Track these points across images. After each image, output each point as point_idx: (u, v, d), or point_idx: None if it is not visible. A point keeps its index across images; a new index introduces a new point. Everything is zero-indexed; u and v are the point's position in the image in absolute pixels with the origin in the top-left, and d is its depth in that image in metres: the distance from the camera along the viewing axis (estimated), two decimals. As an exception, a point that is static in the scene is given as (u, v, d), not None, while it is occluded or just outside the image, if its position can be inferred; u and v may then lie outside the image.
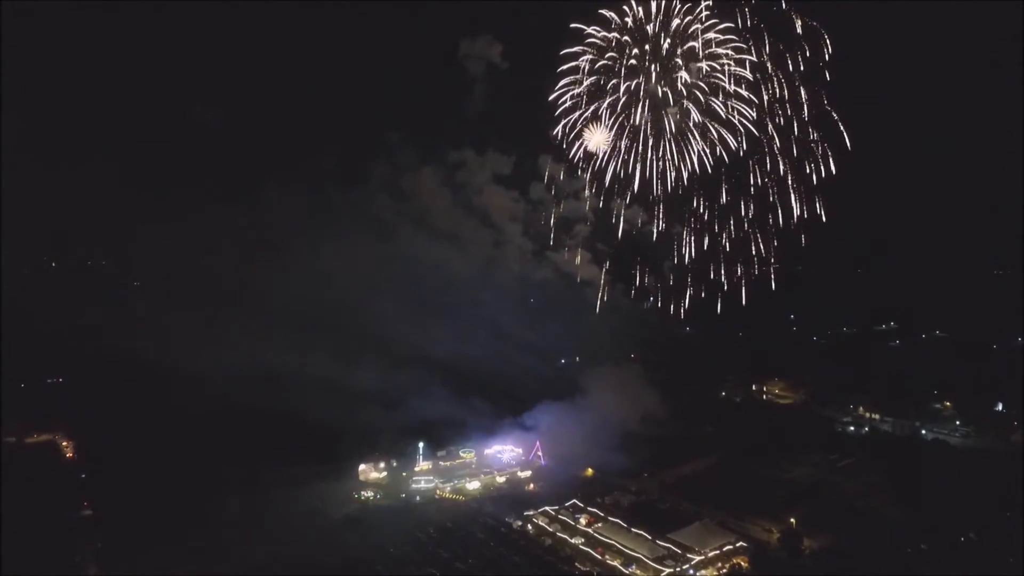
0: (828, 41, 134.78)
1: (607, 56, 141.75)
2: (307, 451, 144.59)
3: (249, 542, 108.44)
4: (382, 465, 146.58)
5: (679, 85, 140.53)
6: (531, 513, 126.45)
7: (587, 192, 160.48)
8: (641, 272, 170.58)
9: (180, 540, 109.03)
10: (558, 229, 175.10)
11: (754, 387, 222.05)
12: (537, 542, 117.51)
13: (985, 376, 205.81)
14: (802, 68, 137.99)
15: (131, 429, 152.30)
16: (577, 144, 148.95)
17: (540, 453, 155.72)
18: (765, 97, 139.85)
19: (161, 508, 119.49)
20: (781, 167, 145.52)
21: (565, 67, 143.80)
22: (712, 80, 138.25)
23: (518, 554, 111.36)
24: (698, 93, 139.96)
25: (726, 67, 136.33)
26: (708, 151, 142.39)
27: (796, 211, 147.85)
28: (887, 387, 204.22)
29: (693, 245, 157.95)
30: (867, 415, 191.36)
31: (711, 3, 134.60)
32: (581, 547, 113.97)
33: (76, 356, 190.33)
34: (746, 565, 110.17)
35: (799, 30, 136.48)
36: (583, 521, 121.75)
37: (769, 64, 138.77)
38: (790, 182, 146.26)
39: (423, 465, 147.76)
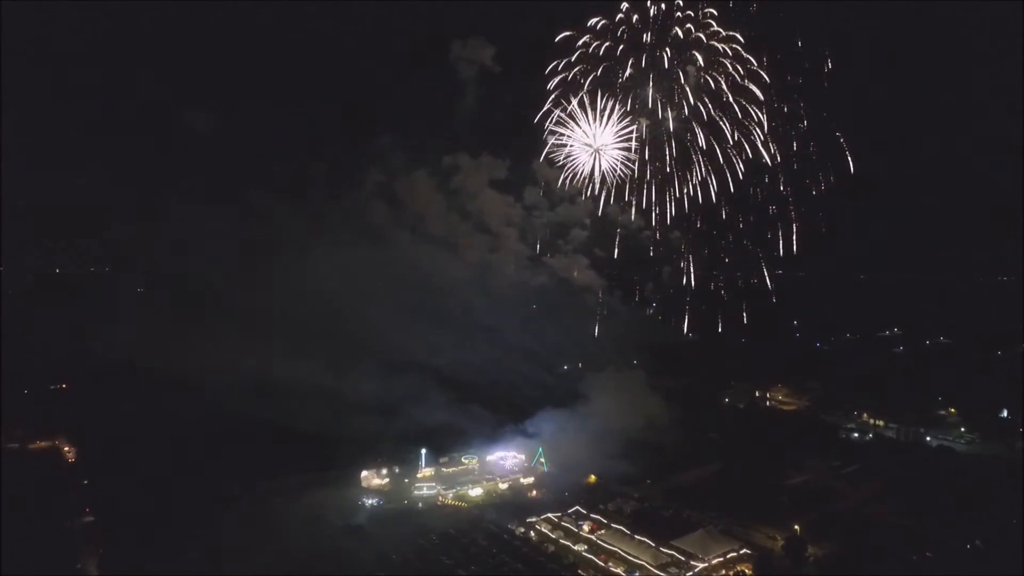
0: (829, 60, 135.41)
1: (601, 67, 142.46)
2: (308, 459, 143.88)
3: (250, 549, 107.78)
4: (384, 472, 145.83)
5: (676, 97, 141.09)
6: (534, 520, 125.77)
7: (583, 197, 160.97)
8: (642, 279, 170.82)
9: (181, 547, 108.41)
10: (555, 234, 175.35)
11: (757, 393, 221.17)
12: (540, 549, 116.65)
13: (990, 382, 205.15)
14: (801, 81, 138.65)
15: (133, 436, 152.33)
16: (568, 167, 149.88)
17: (543, 459, 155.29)
18: (765, 116, 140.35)
19: (163, 515, 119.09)
20: (782, 183, 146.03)
21: (556, 80, 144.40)
22: (712, 93, 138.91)
23: (521, 561, 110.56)
24: (700, 106, 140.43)
25: (723, 79, 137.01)
26: (713, 176, 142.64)
27: (796, 225, 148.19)
28: (891, 393, 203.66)
29: (693, 264, 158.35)
30: (871, 421, 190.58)
31: (711, 11, 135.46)
32: (584, 554, 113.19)
33: (78, 362, 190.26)
34: (750, 572, 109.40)
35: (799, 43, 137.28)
36: (586, 528, 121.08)
37: (766, 76, 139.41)
38: (789, 197, 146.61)
39: (425, 471, 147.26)
